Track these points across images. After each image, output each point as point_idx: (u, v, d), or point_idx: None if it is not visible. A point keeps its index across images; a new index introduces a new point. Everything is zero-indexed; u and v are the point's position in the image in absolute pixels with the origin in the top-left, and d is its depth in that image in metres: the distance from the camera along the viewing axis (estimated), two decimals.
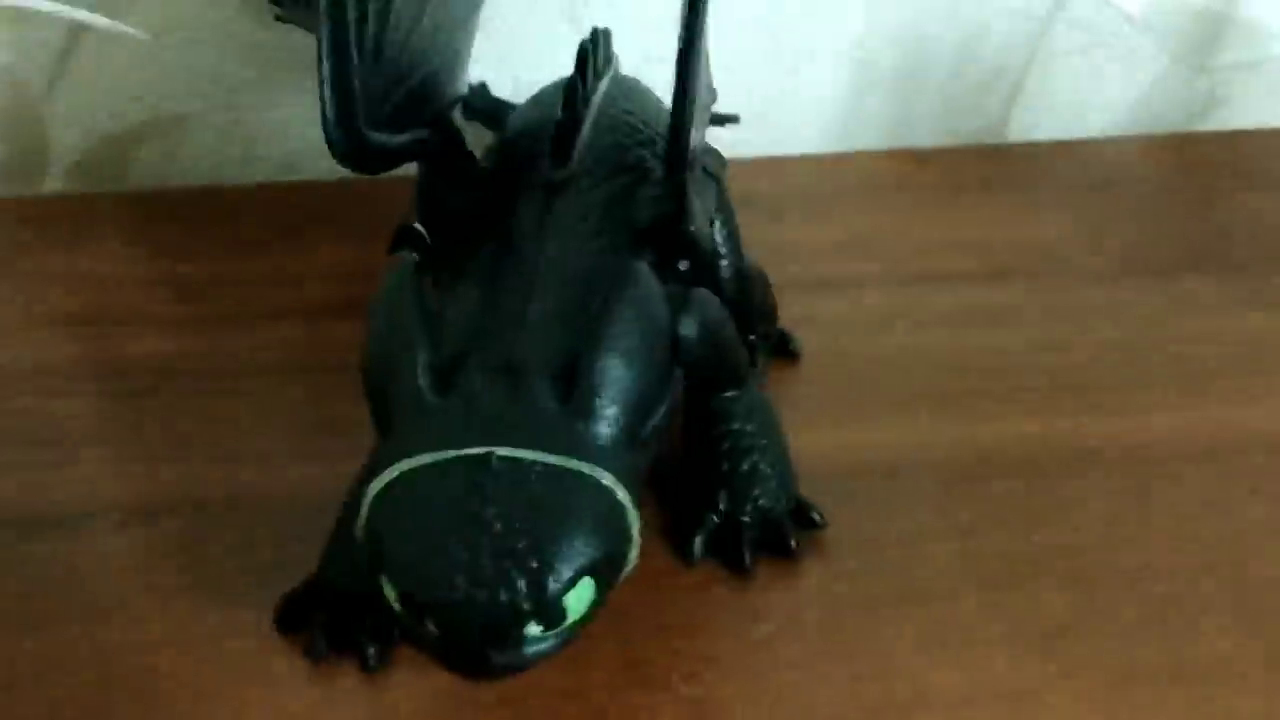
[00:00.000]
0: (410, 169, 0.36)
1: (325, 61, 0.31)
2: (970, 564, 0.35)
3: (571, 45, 0.37)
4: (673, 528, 0.35)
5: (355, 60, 0.32)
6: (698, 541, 0.35)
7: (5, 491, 0.38)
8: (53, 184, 0.50)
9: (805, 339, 0.42)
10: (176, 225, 0.48)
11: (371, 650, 0.32)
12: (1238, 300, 0.44)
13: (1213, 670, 0.33)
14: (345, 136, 0.32)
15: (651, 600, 0.34)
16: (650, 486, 0.31)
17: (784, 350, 0.42)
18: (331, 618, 0.33)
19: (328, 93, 0.31)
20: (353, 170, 0.33)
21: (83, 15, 0.39)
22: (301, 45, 0.47)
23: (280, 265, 0.47)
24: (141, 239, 0.48)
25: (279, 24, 0.45)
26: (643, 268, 0.31)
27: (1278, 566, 0.35)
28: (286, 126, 0.49)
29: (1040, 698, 0.32)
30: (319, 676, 0.33)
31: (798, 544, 0.35)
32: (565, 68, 0.37)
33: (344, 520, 0.34)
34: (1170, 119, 0.52)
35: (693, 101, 0.32)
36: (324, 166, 0.44)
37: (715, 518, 0.35)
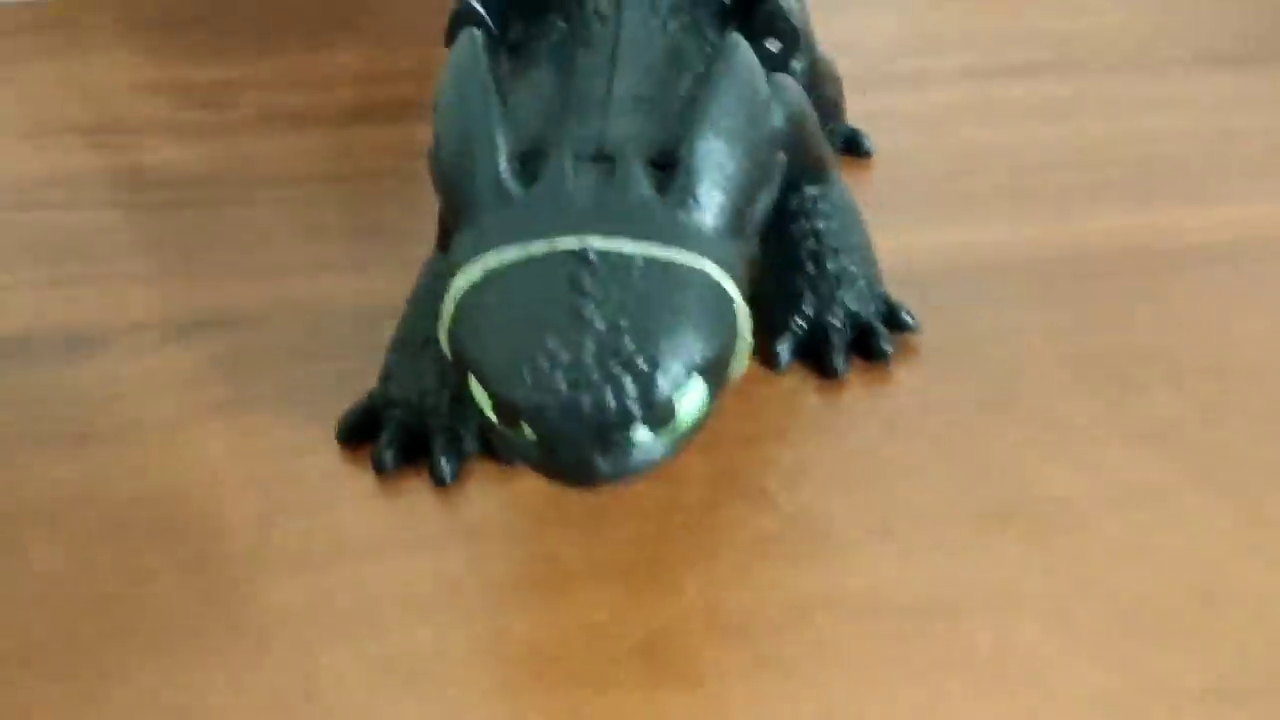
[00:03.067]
0: None
1: None
2: (1075, 363, 0.33)
3: None
4: (758, 334, 0.33)
5: None
6: (784, 348, 0.33)
7: (38, 307, 0.35)
8: None
9: (875, 138, 0.40)
10: (183, 29, 0.45)
11: (443, 462, 0.30)
12: None
13: None
14: None
15: (739, 409, 0.32)
16: None
17: (855, 149, 0.39)
18: (397, 431, 0.31)
19: None
20: None
21: None
22: None
23: (300, 69, 0.44)
24: (148, 44, 0.45)
25: None
26: (742, 41, 0.28)
27: None
28: None
29: (1176, 498, 0.30)
30: (387, 492, 0.30)
31: (890, 347, 0.33)
32: None
33: (405, 329, 0.31)
34: None
35: None
36: None
37: (802, 322, 0.33)
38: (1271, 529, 0.29)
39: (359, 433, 0.31)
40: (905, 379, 0.33)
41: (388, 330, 0.32)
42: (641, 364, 0.25)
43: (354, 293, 0.35)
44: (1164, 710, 0.25)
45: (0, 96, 0.43)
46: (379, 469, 0.31)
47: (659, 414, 0.25)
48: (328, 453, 0.31)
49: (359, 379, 0.32)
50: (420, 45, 0.44)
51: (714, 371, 0.26)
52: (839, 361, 0.32)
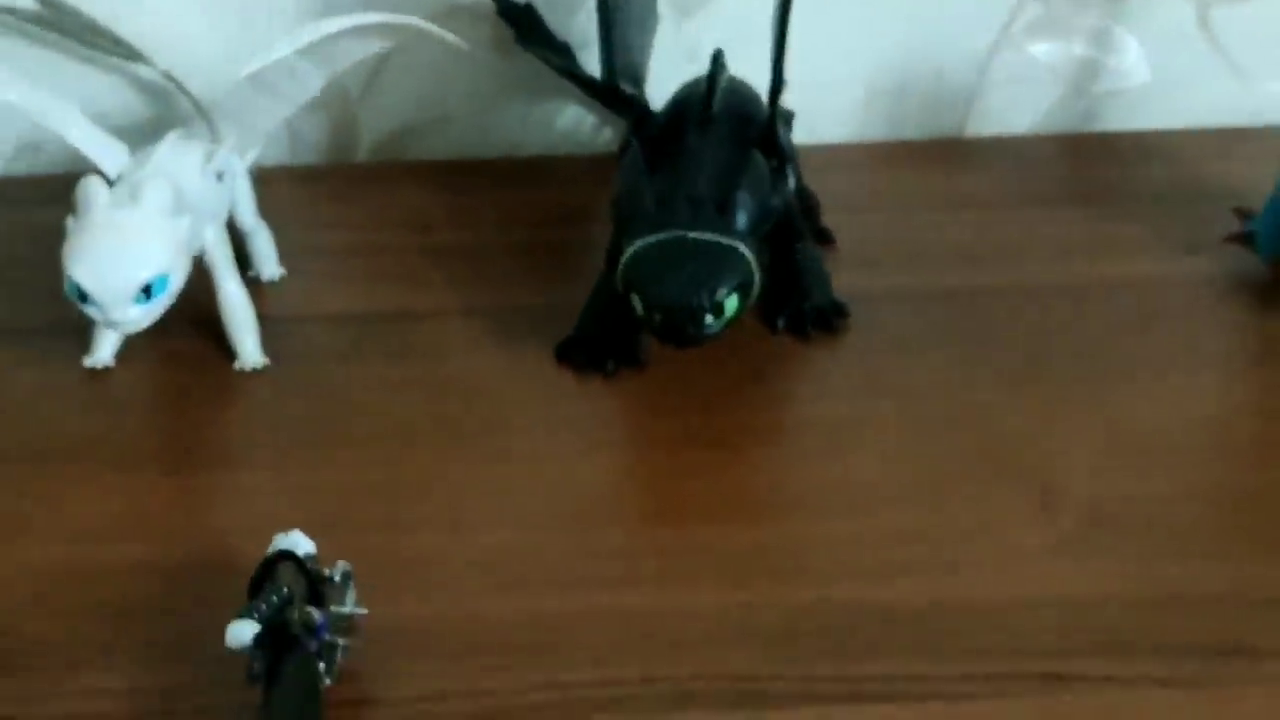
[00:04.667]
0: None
1: (601, 46, 0.61)
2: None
3: (688, 73, 0.67)
4: (763, 315, 0.63)
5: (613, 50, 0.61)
6: (780, 320, 0.63)
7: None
8: (360, 158, 0.80)
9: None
10: (445, 190, 0.77)
11: (609, 364, 0.61)
12: None
13: None
14: (612, 90, 0.62)
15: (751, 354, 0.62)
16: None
17: (825, 238, 0.70)
18: (585, 351, 0.62)
19: (603, 60, 0.61)
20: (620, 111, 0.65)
21: (425, 25, 0.67)
22: (530, 68, 0.76)
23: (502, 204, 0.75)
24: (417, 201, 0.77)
25: (513, 54, 0.75)
26: (759, 155, 0.60)
27: None
28: (519, 119, 0.79)
29: None
30: (579, 381, 0.61)
31: (836, 326, 0.64)
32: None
33: (592, 299, 0.63)
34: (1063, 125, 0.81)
35: (785, 56, 0.60)
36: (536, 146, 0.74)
37: (789, 308, 0.64)
38: None
39: (564, 354, 0.62)
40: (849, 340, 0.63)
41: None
42: (709, 285, 0.56)
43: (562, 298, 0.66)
44: None
45: None
46: (574, 369, 0.61)
47: (715, 310, 0.56)
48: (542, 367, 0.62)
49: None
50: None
51: (742, 292, 0.57)
52: (808, 329, 0.63)
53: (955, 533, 0.53)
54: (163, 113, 0.77)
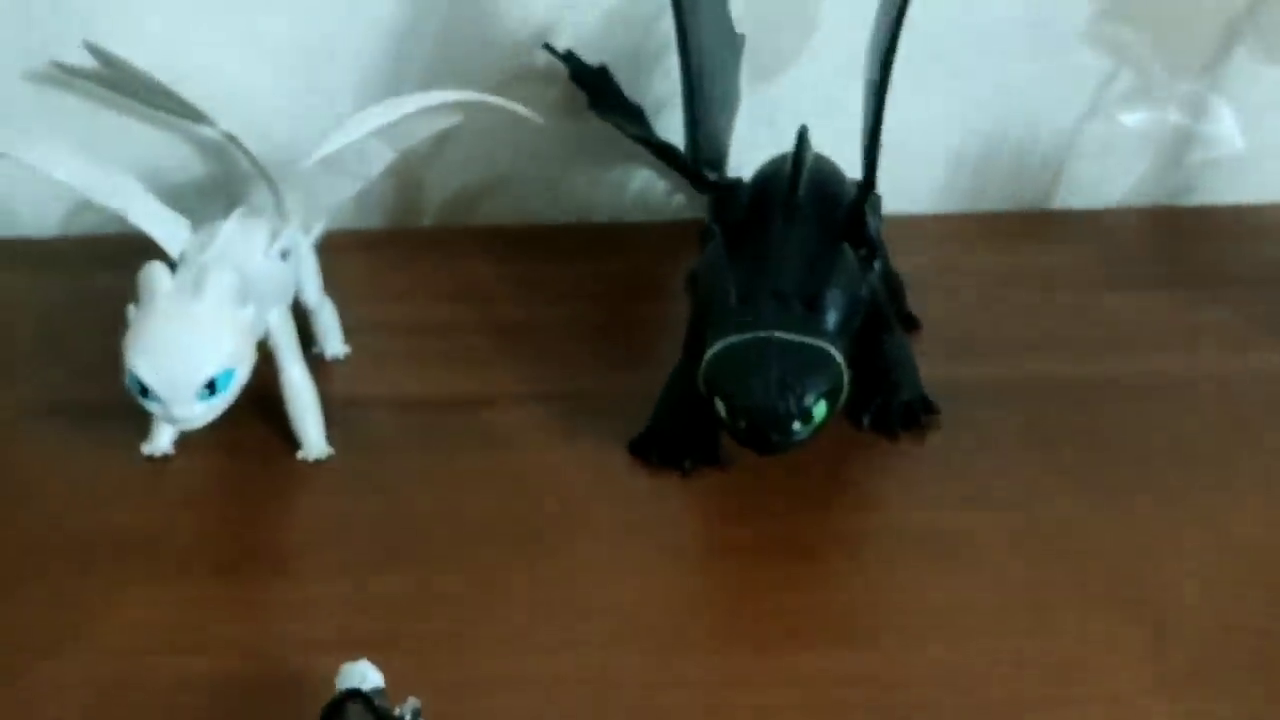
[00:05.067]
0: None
1: (687, 119, 0.58)
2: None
3: (768, 143, 0.64)
4: (848, 411, 0.60)
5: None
6: (865, 417, 0.60)
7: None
8: (425, 221, 0.77)
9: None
10: (511, 260, 0.74)
11: (686, 463, 0.58)
12: None
13: None
14: (696, 176, 0.59)
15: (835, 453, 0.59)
16: None
17: (910, 324, 0.67)
18: (661, 447, 0.59)
19: (687, 142, 0.58)
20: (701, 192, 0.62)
21: (499, 101, 0.65)
22: (601, 133, 0.74)
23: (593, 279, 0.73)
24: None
25: (583, 118, 0.72)
26: (848, 248, 0.57)
27: None
28: (588, 184, 0.77)
29: None
30: (653, 479, 0.58)
31: (925, 423, 0.61)
32: (765, 155, 0.64)
33: (668, 391, 0.60)
34: (1157, 197, 0.78)
35: (879, 140, 0.57)
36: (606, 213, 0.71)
37: (876, 404, 0.61)
38: None
39: (639, 449, 0.59)
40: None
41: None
42: (796, 391, 0.53)
43: (635, 384, 0.63)
44: None
45: None
46: (649, 464, 0.58)
47: (804, 416, 0.53)
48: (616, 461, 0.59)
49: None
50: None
51: (831, 398, 0.54)
52: (896, 428, 0.60)
53: (1059, 665, 0.50)
54: (223, 174, 0.75)
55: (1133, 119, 0.76)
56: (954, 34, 0.73)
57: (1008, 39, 0.74)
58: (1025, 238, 0.75)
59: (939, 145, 0.76)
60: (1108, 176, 0.77)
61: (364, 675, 0.44)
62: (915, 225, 0.74)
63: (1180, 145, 0.77)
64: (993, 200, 0.77)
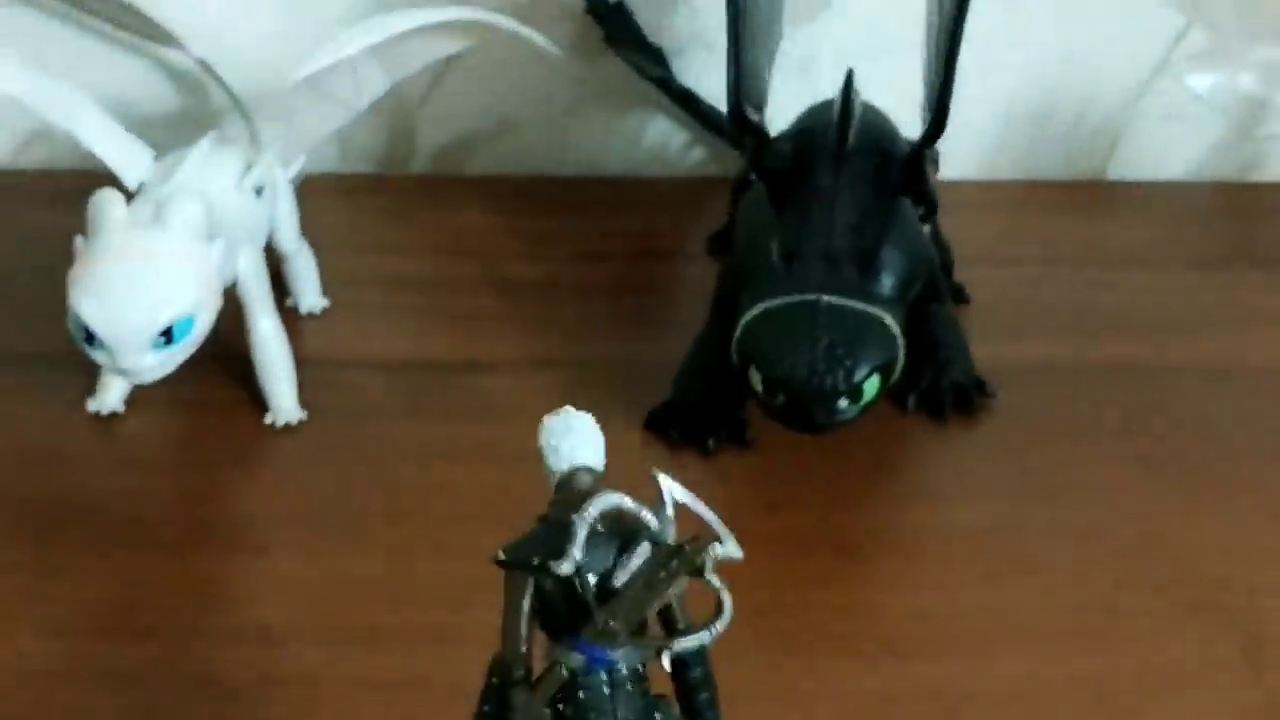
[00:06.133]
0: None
1: (730, 54, 0.50)
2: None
3: (802, 92, 0.58)
4: (892, 390, 0.53)
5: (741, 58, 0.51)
6: (911, 398, 0.53)
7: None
8: (417, 167, 0.70)
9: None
10: (514, 212, 0.67)
11: (710, 440, 0.51)
12: None
13: None
14: (738, 114, 0.52)
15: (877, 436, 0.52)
16: None
17: (959, 296, 0.60)
18: (682, 422, 0.52)
19: (730, 78, 0.51)
20: (736, 136, 0.55)
21: (514, 25, 0.57)
22: (615, 75, 0.67)
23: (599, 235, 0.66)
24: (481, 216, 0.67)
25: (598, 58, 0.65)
26: (907, 202, 0.50)
27: None
28: (599, 132, 0.69)
29: None
30: (672, 458, 0.51)
31: (977, 406, 0.53)
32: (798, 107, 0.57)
33: (692, 359, 0.53)
34: (1225, 171, 0.71)
35: (952, 83, 0.50)
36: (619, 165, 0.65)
37: (924, 383, 0.53)
38: None
39: (656, 424, 0.52)
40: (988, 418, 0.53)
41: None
42: (846, 363, 0.46)
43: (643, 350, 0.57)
44: None
45: None
46: (669, 442, 0.51)
47: (853, 392, 0.46)
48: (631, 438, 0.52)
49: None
50: None
51: (884, 373, 0.47)
52: (946, 410, 0.53)
53: (1138, 685, 0.43)
54: (195, 105, 0.68)
55: (1202, 84, 0.69)
56: None
57: None
58: (1080, 209, 0.68)
59: (987, 104, 0.68)
60: (1171, 146, 0.70)
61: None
62: (959, 192, 0.67)
63: (1252, 117, 0.70)
64: (1044, 168, 0.70)
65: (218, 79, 0.60)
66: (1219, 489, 0.51)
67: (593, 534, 0.30)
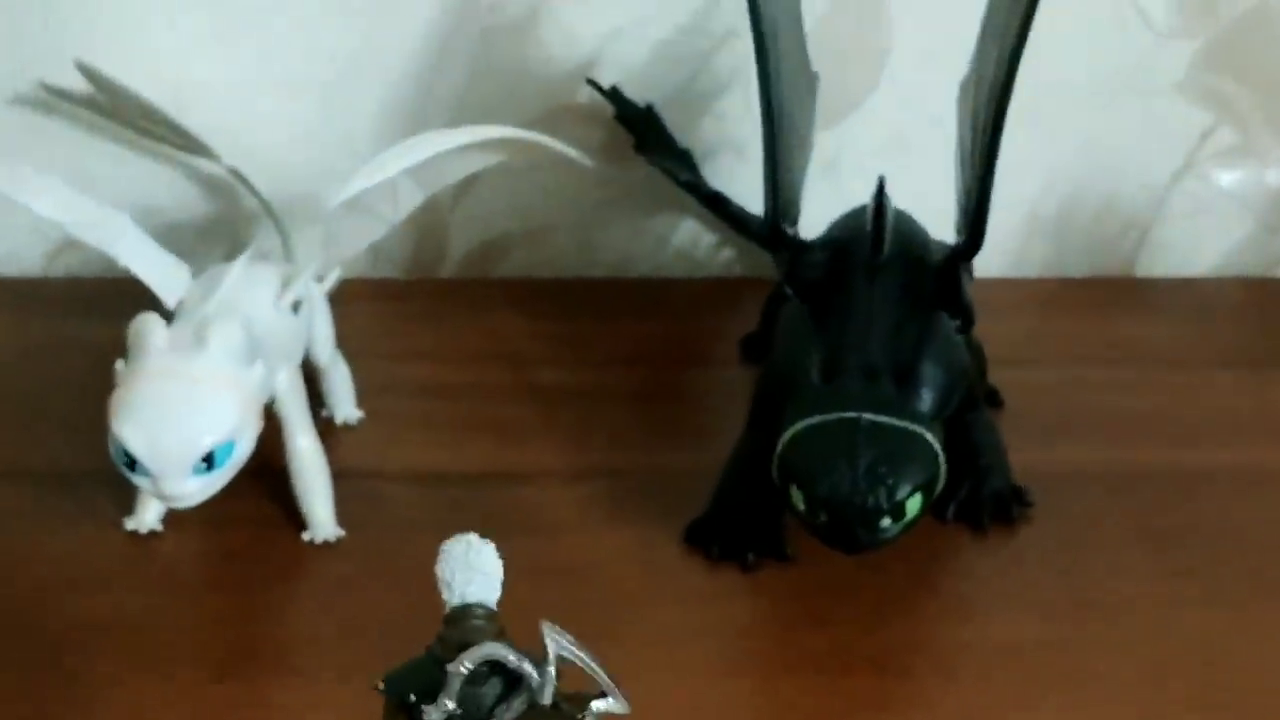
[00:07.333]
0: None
1: (766, 173, 0.51)
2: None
3: (828, 194, 0.58)
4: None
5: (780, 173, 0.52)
6: (951, 508, 0.53)
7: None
8: (447, 271, 0.70)
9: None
10: (543, 315, 0.67)
11: (749, 556, 0.51)
12: None
13: None
14: (775, 231, 0.52)
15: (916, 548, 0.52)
16: None
17: (993, 400, 0.60)
18: (723, 537, 0.52)
19: (767, 190, 0.51)
20: (773, 250, 0.55)
21: (549, 142, 0.58)
22: (643, 177, 0.67)
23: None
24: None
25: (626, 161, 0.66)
26: (943, 317, 0.50)
27: None
28: (627, 234, 0.70)
29: None
30: (712, 574, 0.51)
31: (1016, 515, 0.53)
32: (829, 210, 0.57)
33: (730, 472, 0.53)
34: (1253, 267, 0.71)
35: (989, 193, 0.51)
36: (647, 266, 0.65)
37: (962, 493, 0.53)
38: None
39: (696, 537, 0.52)
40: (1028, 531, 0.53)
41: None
42: (888, 482, 0.46)
43: (685, 461, 0.56)
44: None
45: None
46: (709, 556, 0.51)
47: (895, 511, 0.46)
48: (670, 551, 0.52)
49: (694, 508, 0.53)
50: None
51: (926, 491, 0.47)
52: (985, 521, 0.53)
53: None
54: (227, 211, 0.68)
55: (1230, 179, 0.69)
56: (1035, 79, 0.66)
57: (1094, 88, 0.68)
58: (1109, 307, 0.68)
59: (1014, 203, 0.69)
60: (1199, 242, 0.70)
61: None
62: (984, 289, 0.67)
63: None
64: (1071, 265, 0.70)
65: (251, 188, 0.60)
66: (1264, 602, 0.50)
67: (474, 674, 0.32)
